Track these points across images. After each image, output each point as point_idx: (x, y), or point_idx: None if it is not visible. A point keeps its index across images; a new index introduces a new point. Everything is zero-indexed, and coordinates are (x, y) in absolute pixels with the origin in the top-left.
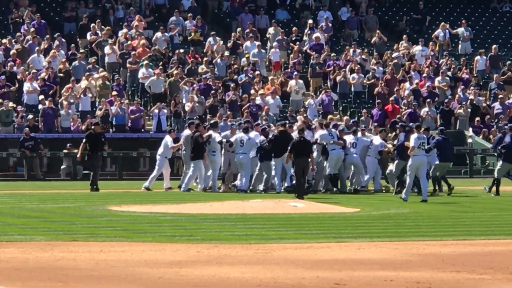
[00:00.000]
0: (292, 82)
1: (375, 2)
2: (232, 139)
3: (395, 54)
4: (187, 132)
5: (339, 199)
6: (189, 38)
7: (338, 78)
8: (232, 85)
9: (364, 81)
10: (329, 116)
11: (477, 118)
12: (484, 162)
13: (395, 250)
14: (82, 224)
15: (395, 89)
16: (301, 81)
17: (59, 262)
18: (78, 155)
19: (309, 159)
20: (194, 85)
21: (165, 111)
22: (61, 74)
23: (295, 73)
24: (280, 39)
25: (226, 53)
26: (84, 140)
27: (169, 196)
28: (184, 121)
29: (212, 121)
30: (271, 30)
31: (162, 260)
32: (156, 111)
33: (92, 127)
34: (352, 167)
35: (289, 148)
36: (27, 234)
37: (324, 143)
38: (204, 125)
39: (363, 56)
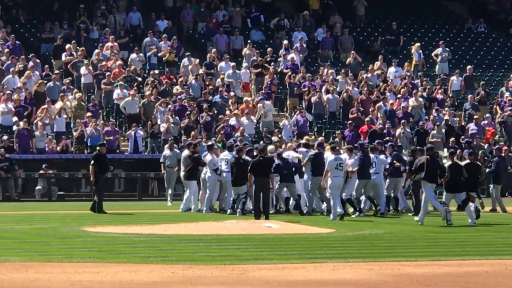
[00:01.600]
0: (259, 106)
1: (350, 23)
2: (218, 159)
3: (366, 75)
4: (186, 152)
5: (314, 219)
6: (164, 59)
7: (313, 99)
8: (205, 106)
9: (339, 101)
10: (305, 137)
11: (452, 139)
12: None
13: (370, 271)
14: (57, 245)
15: (370, 110)
16: (268, 102)
17: (33, 283)
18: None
19: (269, 179)
20: (169, 106)
21: (141, 132)
22: (34, 94)
23: (261, 97)
24: (254, 60)
25: (201, 71)
26: (92, 162)
27: (144, 217)
28: (159, 142)
29: (209, 144)
30: (245, 50)
31: (137, 281)
32: (132, 133)
33: (98, 148)
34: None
35: (249, 168)
36: (2, 255)
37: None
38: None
39: (337, 77)
